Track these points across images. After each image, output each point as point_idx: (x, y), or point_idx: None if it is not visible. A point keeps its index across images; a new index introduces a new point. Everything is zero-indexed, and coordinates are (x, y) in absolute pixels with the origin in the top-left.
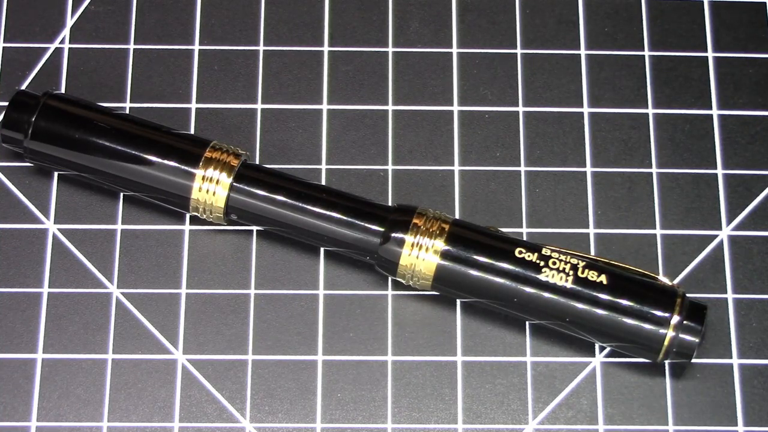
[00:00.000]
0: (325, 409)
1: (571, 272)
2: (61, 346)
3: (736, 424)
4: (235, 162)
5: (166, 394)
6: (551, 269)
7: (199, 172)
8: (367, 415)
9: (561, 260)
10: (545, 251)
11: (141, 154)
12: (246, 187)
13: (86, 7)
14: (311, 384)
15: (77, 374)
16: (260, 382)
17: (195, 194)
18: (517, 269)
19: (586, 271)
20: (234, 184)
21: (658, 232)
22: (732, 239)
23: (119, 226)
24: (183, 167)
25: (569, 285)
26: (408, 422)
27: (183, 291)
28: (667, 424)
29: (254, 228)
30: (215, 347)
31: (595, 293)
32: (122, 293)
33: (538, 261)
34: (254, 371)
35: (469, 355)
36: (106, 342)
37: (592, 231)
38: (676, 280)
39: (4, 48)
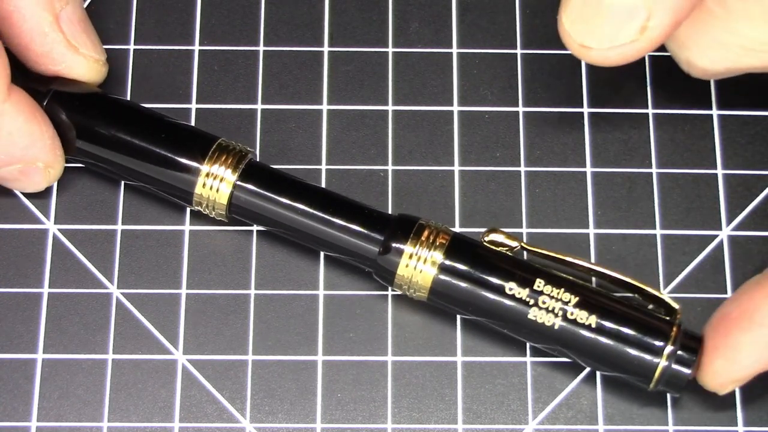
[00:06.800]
0: (325, 409)
1: (560, 313)
2: (61, 346)
3: (736, 425)
4: (241, 160)
5: (166, 394)
6: (540, 308)
7: (204, 168)
8: (367, 415)
9: (553, 297)
10: (538, 284)
11: (147, 146)
12: (250, 186)
13: (86, 8)
14: (311, 384)
15: (77, 374)
16: (260, 382)
17: (198, 189)
18: (506, 304)
19: (576, 311)
20: (238, 182)
21: (658, 232)
22: (732, 239)
23: (119, 226)
24: (188, 162)
25: (556, 326)
26: (408, 422)
27: (183, 291)
28: (667, 424)
29: (255, 228)
30: (215, 347)
31: (582, 333)
32: (122, 293)
33: (527, 299)
34: (254, 371)
35: (469, 355)
36: (106, 342)
37: (592, 231)
38: (676, 280)
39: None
